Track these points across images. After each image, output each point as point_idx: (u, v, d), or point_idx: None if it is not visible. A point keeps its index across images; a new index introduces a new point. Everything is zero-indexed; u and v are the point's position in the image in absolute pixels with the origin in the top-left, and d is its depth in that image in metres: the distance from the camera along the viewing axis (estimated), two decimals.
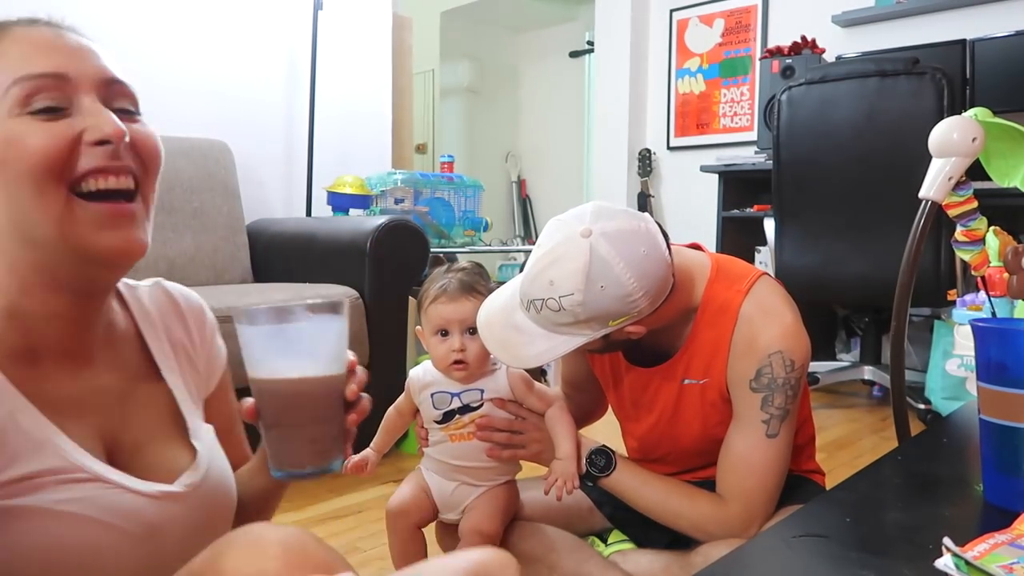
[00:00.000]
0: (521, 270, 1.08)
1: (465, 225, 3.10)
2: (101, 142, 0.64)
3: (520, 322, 1.02)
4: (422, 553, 1.19)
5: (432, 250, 2.65)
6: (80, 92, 0.65)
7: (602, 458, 1.15)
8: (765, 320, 1.08)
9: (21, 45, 0.65)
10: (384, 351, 2.18)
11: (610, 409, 1.33)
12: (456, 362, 1.13)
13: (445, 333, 1.14)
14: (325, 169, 2.92)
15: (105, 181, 0.64)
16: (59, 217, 0.63)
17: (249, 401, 0.70)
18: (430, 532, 1.23)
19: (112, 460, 0.69)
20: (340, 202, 2.78)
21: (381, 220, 2.20)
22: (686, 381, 1.13)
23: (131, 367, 0.76)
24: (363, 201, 2.81)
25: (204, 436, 0.78)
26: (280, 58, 2.95)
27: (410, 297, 2.33)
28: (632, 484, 1.14)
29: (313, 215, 2.89)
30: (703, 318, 1.10)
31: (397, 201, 2.87)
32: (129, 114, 0.69)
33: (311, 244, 2.39)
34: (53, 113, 0.64)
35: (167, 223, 2.31)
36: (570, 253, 0.95)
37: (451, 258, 2.94)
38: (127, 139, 0.65)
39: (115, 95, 0.68)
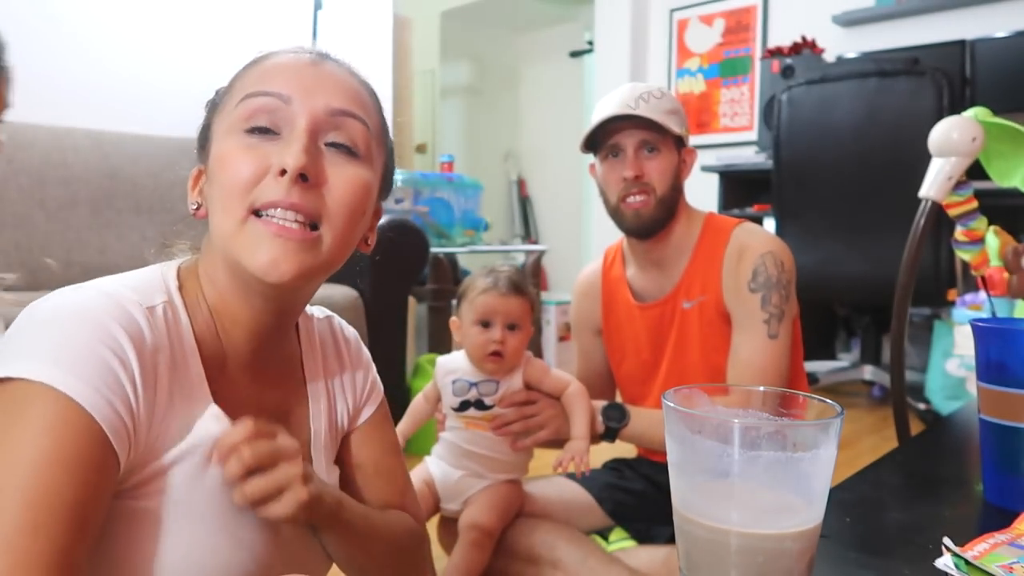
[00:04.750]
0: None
1: (465, 225, 3.10)
2: (283, 172, 0.62)
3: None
4: None
5: (432, 250, 2.64)
6: (296, 118, 0.64)
7: (616, 411, 1.23)
8: (752, 234, 1.30)
9: (266, 65, 0.67)
10: (383, 351, 2.17)
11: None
12: (493, 353, 1.17)
13: (487, 324, 1.18)
14: None
15: (274, 212, 0.62)
16: (232, 233, 0.63)
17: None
18: (431, 531, 1.23)
19: None
20: None
21: (381, 220, 2.19)
22: (685, 304, 1.30)
23: (290, 391, 0.76)
24: None
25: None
26: None
27: (410, 297, 2.33)
28: (649, 423, 1.22)
29: None
30: (701, 243, 1.32)
31: (397, 201, 2.87)
32: (346, 152, 0.66)
33: None
34: (264, 135, 0.64)
35: (168, 223, 2.31)
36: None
37: (451, 258, 2.93)
38: (306, 177, 0.62)
39: (334, 127, 0.66)
